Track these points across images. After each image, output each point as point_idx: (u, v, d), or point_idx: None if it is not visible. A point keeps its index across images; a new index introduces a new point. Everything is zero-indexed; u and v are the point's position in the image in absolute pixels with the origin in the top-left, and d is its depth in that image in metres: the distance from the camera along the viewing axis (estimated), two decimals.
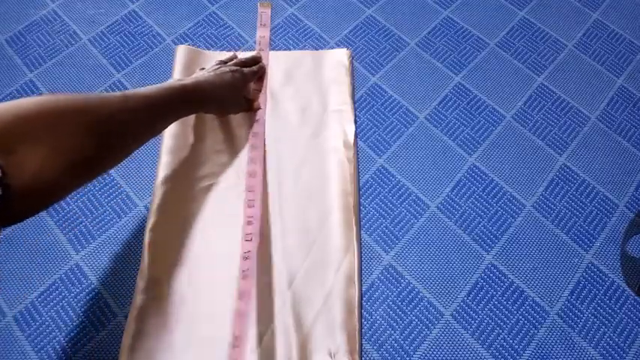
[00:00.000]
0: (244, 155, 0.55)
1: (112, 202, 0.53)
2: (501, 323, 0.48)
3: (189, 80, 0.49)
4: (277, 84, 0.60)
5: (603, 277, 0.50)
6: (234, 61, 0.57)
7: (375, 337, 0.47)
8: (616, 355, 0.47)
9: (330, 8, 0.67)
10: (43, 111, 0.34)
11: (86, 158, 0.36)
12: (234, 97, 0.55)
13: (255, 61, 0.59)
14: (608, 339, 0.47)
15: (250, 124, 0.57)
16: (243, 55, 0.61)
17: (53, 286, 0.49)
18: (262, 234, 0.50)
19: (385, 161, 0.56)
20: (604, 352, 0.47)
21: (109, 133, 0.38)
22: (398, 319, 0.48)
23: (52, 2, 0.67)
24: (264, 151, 0.55)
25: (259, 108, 0.57)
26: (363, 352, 0.46)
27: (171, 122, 0.49)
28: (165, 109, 0.46)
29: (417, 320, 0.48)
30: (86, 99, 0.37)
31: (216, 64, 0.55)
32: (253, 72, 0.57)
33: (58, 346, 0.46)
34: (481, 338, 0.47)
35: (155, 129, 0.45)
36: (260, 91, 0.59)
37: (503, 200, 0.54)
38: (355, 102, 0.60)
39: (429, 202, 0.54)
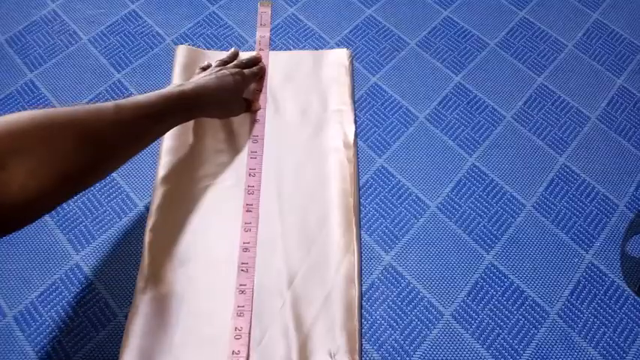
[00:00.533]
0: (244, 155, 0.55)
1: (112, 202, 0.53)
2: (501, 323, 0.48)
3: (188, 86, 0.48)
4: (277, 84, 0.60)
5: (603, 277, 0.50)
6: (235, 62, 0.57)
7: (375, 337, 0.47)
8: (616, 355, 0.47)
9: (330, 8, 0.67)
10: (31, 125, 0.33)
11: (76, 171, 0.36)
12: (234, 100, 0.55)
13: (255, 61, 0.60)
14: (608, 339, 0.47)
15: (251, 124, 0.57)
16: (243, 55, 0.61)
17: (53, 286, 0.49)
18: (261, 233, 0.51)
19: (385, 161, 0.56)
20: (604, 352, 0.47)
21: (101, 146, 0.38)
22: (398, 319, 0.48)
23: (52, 2, 0.67)
24: (263, 153, 0.55)
25: (259, 108, 0.57)
26: (363, 352, 0.46)
27: (171, 128, 0.48)
28: (162, 117, 0.45)
29: (417, 320, 0.48)
30: (76, 112, 0.37)
31: (217, 65, 0.55)
32: (254, 73, 0.58)
33: (58, 346, 0.46)
34: (481, 338, 0.47)
35: (151, 137, 0.44)
36: (260, 90, 0.59)
37: (503, 200, 0.54)
38: (355, 102, 0.60)
39: (429, 202, 0.54)
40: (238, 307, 0.47)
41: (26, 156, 0.32)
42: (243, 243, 0.50)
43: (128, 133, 0.41)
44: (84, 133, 0.36)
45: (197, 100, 0.49)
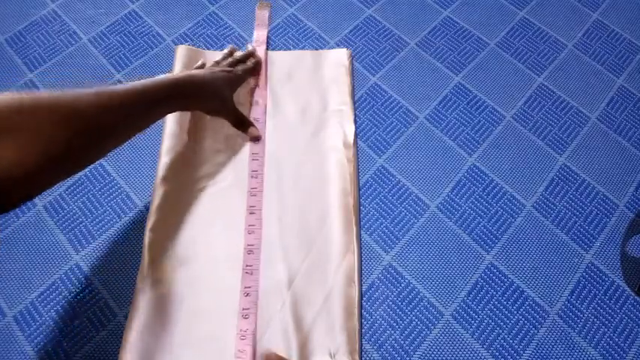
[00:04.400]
0: (244, 155, 0.55)
1: (112, 202, 0.53)
2: (501, 323, 0.48)
3: (181, 74, 0.49)
4: (277, 84, 0.60)
5: (603, 277, 0.50)
6: (229, 60, 0.57)
7: (375, 337, 0.47)
8: (616, 355, 0.47)
9: (330, 8, 0.67)
10: (19, 107, 0.34)
11: (62, 152, 0.36)
12: (228, 95, 0.54)
13: (249, 55, 0.59)
14: (608, 339, 0.47)
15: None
16: (240, 54, 0.61)
17: (53, 286, 0.49)
18: (262, 235, 0.51)
19: (385, 161, 0.56)
20: (604, 352, 0.47)
21: (84, 129, 0.38)
22: (398, 319, 0.48)
23: (52, 2, 0.67)
24: (265, 154, 0.55)
25: (258, 136, 0.56)
26: (363, 352, 0.46)
27: (161, 117, 0.48)
28: (155, 103, 0.45)
29: (417, 320, 0.48)
30: (61, 96, 0.38)
31: (212, 65, 0.55)
32: (248, 69, 0.57)
33: (58, 346, 0.46)
34: (481, 338, 0.47)
35: (144, 122, 0.44)
36: (258, 86, 0.59)
37: (503, 200, 0.54)
38: (355, 102, 0.60)
39: (429, 202, 0.54)
40: (243, 309, 0.47)
41: (15, 135, 0.33)
42: (248, 245, 0.50)
43: (117, 117, 0.41)
44: (68, 117, 0.37)
45: (191, 88, 0.49)
